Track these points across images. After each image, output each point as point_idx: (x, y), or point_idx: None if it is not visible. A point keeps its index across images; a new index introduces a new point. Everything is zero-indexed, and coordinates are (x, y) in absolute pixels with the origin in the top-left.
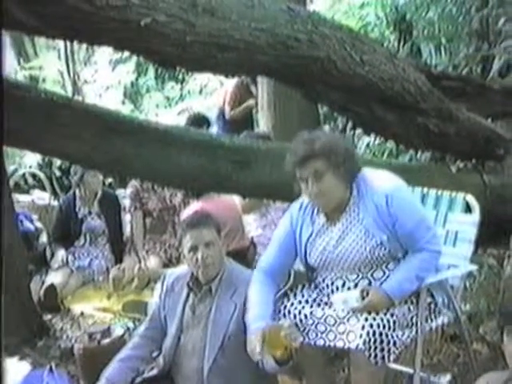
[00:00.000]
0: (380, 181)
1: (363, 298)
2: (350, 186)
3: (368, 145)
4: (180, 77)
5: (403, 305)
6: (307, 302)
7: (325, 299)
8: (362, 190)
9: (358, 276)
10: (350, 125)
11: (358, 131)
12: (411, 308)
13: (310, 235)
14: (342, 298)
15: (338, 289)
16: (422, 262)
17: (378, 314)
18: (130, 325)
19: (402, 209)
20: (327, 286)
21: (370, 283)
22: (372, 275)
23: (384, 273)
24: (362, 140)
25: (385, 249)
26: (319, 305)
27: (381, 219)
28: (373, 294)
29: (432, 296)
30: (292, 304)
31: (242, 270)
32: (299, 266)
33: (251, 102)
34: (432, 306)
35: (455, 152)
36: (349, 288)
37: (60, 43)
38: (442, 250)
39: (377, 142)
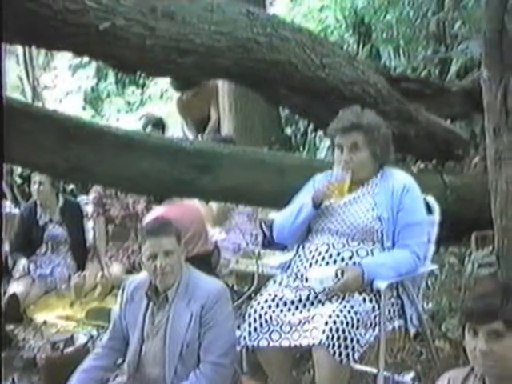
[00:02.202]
0: (403, 174)
1: (339, 279)
2: (377, 170)
3: (330, 146)
4: (141, 81)
5: (367, 303)
6: (273, 300)
7: (297, 283)
8: (386, 175)
9: (344, 246)
10: (311, 127)
11: (320, 133)
12: (375, 307)
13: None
14: (317, 276)
15: (319, 254)
16: (403, 259)
17: (341, 311)
18: (94, 332)
19: (411, 203)
20: (310, 252)
21: (350, 257)
22: (357, 251)
23: (367, 254)
24: (323, 142)
25: (381, 224)
26: (292, 290)
27: (391, 200)
28: (348, 273)
29: (398, 295)
30: (258, 303)
31: (200, 277)
32: (263, 268)
33: (213, 118)
34: (396, 305)
35: (415, 153)
36: (331, 256)
37: (19, 48)
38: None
39: None
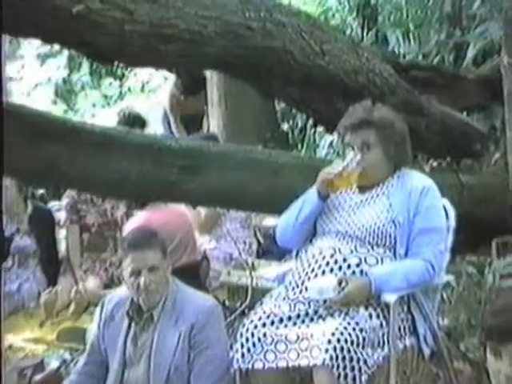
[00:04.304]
0: (422, 176)
1: (343, 289)
2: (393, 171)
3: (331, 144)
4: (119, 72)
5: (374, 319)
6: (268, 316)
7: (295, 294)
8: (403, 176)
9: (352, 252)
10: (310, 122)
11: (320, 129)
12: (383, 323)
13: (336, 195)
14: (317, 285)
15: (324, 259)
16: (415, 268)
17: (345, 328)
18: (67, 356)
19: (430, 206)
20: (313, 256)
21: (358, 264)
22: (366, 258)
23: (377, 261)
24: (324, 139)
25: (395, 228)
26: (289, 303)
27: (407, 203)
28: (353, 282)
29: (409, 309)
30: (251, 321)
31: (188, 292)
32: (258, 280)
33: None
34: (406, 321)
35: (427, 150)
36: (336, 261)
37: None
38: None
39: None
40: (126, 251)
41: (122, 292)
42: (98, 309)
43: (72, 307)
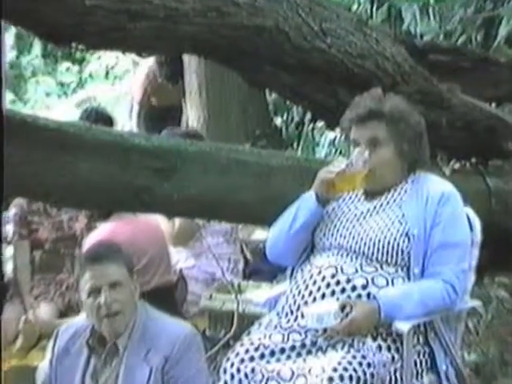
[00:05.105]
0: (442, 181)
1: (346, 315)
2: (407, 174)
3: (333, 142)
4: (78, 56)
5: (384, 352)
6: (257, 349)
7: (289, 322)
8: (419, 180)
9: (357, 271)
10: (308, 117)
11: (320, 124)
12: (395, 357)
13: (338, 202)
14: (316, 311)
15: (323, 280)
16: (433, 291)
17: (350, 363)
18: None
19: (451, 217)
20: (310, 276)
21: (364, 286)
22: (373, 278)
23: (387, 283)
24: (324, 136)
25: (409, 242)
26: (282, 333)
27: (424, 212)
28: (358, 308)
29: (426, 341)
30: (237, 354)
31: (161, 319)
32: (245, 305)
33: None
34: (424, 355)
35: (448, 148)
36: (338, 283)
37: None
38: None
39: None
40: (83, 267)
41: (80, 321)
42: (51, 342)
43: (20, 341)
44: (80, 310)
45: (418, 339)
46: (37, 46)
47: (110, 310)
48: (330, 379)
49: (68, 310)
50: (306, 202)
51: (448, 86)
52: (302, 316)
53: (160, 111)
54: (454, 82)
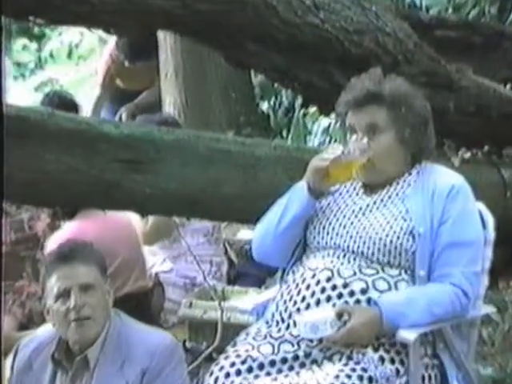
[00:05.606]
0: (450, 172)
1: (344, 324)
2: (411, 165)
3: (327, 130)
4: (36, 31)
5: (387, 364)
6: (244, 362)
7: (280, 331)
8: (424, 172)
9: (355, 274)
10: (299, 101)
11: (312, 110)
12: (400, 370)
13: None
14: (310, 320)
15: (318, 284)
16: (442, 296)
17: (349, 377)
18: None
19: (461, 214)
20: (303, 280)
21: (364, 291)
22: (374, 282)
23: (389, 287)
24: (318, 123)
25: (414, 241)
26: (272, 344)
27: (430, 207)
28: (357, 315)
29: (434, 352)
30: (221, 368)
31: (138, 328)
32: (230, 313)
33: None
34: (432, 368)
35: (458, 136)
36: (334, 287)
37: None
38: None
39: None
40: (50, 269)
41: (43, 333)
42: (11, 358)
43: None
44: (43, 322)
45: (426, 350)
46: None
47: (79, 314)
48: None
49: (29, 322)
50: (297, 193)
51: (457, 66)
52: (295, 324)
53: (128, 96)
54: (464, 62)
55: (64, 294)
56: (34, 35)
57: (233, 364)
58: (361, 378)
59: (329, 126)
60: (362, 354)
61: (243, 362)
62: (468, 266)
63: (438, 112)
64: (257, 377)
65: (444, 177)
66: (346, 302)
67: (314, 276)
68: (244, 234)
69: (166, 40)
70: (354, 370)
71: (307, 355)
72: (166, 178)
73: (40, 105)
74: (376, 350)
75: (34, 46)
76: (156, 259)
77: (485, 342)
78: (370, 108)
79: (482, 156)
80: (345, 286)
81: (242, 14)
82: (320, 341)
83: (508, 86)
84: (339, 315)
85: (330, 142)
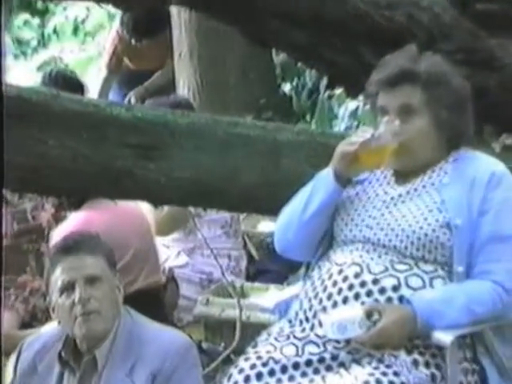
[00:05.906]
0: (491, 159)
1: (374, 324)
2: (447, 151)
3: (355, 113)
4: (40, 6)
5: (421, 368)
6: (265, 364)
7: (304, 331)
8: (462, 159)
9: (387, 270)
10: (324, 82)
11: (338, 92)
12: (436, 375)
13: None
14: (337, 319)
15: (345, 280)
16: (482, 294)
17: (379, 382)
18: None
19: (502, 203)
20: (329, 276)
21: (395, 288)
22: (407, 278)
23: (424, 284)
24: (345, 105)
25: (450, 236)
26: (296, 345)
27: (468, 197)
28: (388, 314)
29: (475, 356)
30: (241, 371)
31: (150, 327)
32: (250, 312)
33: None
34: (472, 374)
35: (499, 119)
36: (363, 284)
37: None
38: None
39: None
40: (54, 261)
41: (49, 331)
42: (13, 359)
43: None
44: (47, 319)
45: (465, 354)
46: None
47: (86, 308)
48: None
49: (33, 320)
50: (323, 181)
51: (499, 42)
52: (320, 324)
53: (138, 77)
54: (508, 37)
55: (68, 287)
56: (36, 10)
57: (253, 366)
58: (392, 383)
59: (356, 109)
60: (394, 356)
61: (265, 365)
62: (510, 262)
63: (477, 92)
64: (279, 381)
65: (484, 164)
66: (376, 300)
67: (341, 272)
68: (264, 225)
69: (179, 16)
70: (385, 374)
71: (334, 357)
72: (180, 164)
73: (41, 84)
74: (409, 352)
75: (36, 21)
76: (170, 252)
77: None
78: (403, 88)
79: None
80: (375, 282)
81: None
82: (348, 342)
83: None
84: (368, 314)
85: (357, 126)
